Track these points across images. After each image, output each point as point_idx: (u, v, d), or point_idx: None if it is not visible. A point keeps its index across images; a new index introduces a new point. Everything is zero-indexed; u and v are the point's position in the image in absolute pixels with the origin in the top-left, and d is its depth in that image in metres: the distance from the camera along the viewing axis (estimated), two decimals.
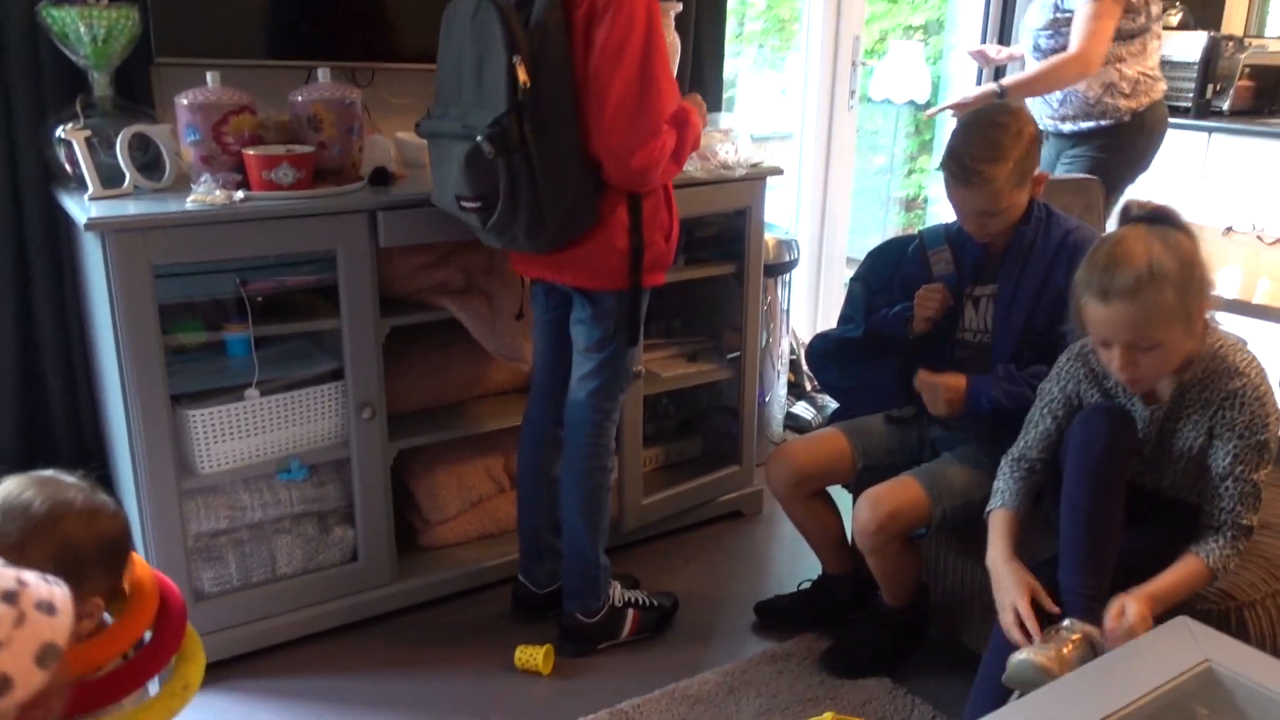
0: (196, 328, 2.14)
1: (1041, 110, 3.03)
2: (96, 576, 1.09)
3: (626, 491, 2.58)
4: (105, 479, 2.38)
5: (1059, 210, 2.08)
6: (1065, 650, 1.58)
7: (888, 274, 2.23)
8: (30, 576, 0.61)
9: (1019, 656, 1.60)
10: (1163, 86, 2.96)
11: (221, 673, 2.15)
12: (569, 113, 1.84)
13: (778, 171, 2.64)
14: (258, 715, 2.04)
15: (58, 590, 0.62)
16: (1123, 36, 2.80)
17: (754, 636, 2.33)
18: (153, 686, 1.22)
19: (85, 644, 1.06)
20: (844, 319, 2.28)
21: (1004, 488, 1.83)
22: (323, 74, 2.19)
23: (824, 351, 2.27)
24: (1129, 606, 1.57)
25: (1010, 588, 1.68)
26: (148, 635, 1.18)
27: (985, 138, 1.94)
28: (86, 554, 1.07)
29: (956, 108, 2.93)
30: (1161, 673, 1.42)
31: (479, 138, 1.78)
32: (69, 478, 1.14)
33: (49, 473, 1.14)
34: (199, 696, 2.06)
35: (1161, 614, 1.62)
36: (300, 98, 2.15)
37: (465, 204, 1.90)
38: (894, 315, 2.15)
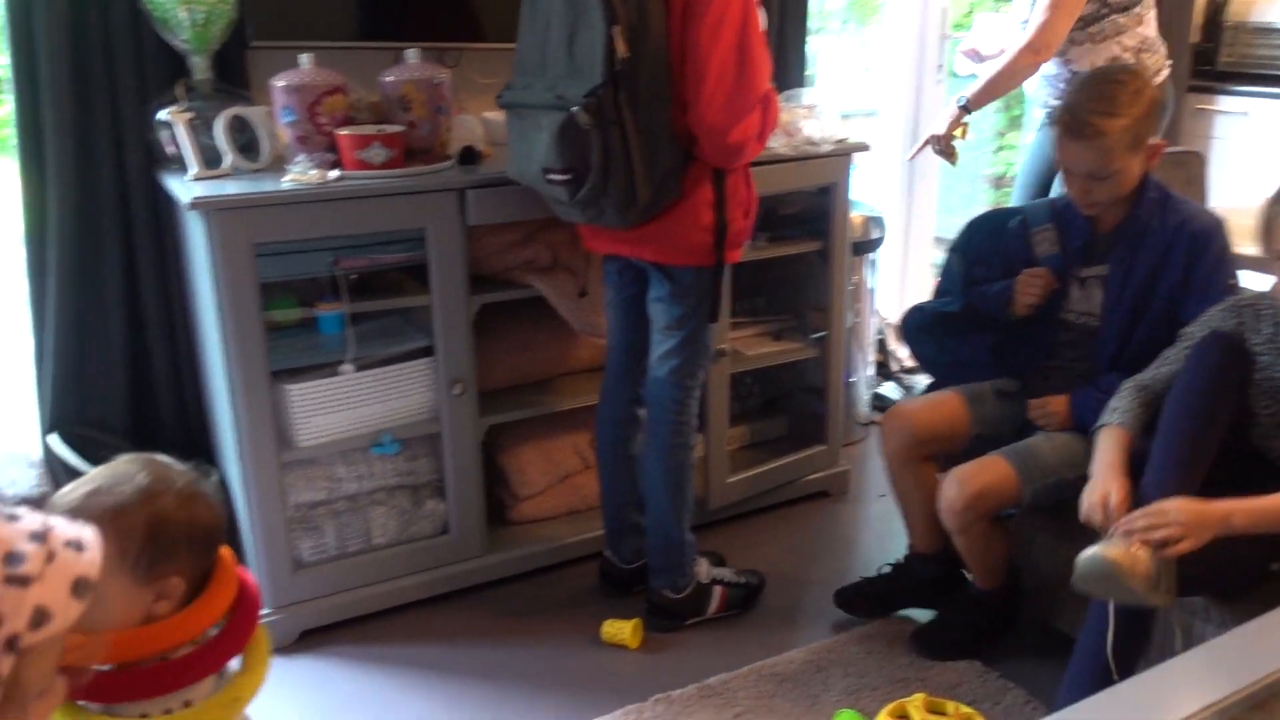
0: (291, 305, 2.20)
1: (1047, 93, 2.74)
2: (181, 558, 1.10)
3: (712, 469, 2.58)
4: (208, 454, 2.47)
5: (1175, 192, 2.00)
6: (1135, 549, 1.53)
7: (985, 246, 2.18)
8: (56, 520, 0.64)
9: (1088, 552, 1.57)
10: (1165, 58, 2.73)
11: (318, 639, 2.21)
12: (664, 85, 1.83)
13: (864, 148, 2.59)
14: (353, 680, 2.10)
15: (86, 530, 0.64)
16: (1116, 9, 2.63)
17: (842, 615, 2.30)
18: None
19: (153, 626, 1.08)
20: (940, 292, 2.23)
21: (1122, 407, 1.79)
22: (411, 55, 2.23)
23: (919, 325, 2.23)
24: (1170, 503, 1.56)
25: (1107, 481, 1.67)
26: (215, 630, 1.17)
27: (1102, 92, 1.88)
28: (177, 534, 1.09)
29: (935, 141, 2.76)
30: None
31: (574, 108, 1.77)
32: (180, 465, 1.17)
33: (163, 457, 1.17)
34: (294, 662, 2.14)
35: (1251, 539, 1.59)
36: (390, 78, 2.18)
37: (553, 176, 1.88)
38: (994, 294, 2.10)
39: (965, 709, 1.80)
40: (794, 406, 2.98)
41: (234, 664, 1.18)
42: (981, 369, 2.16)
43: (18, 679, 0.60)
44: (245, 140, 2.16)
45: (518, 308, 2.42)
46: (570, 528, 2.51)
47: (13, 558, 0.58)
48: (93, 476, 1.11)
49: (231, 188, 2.02)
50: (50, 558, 0.59)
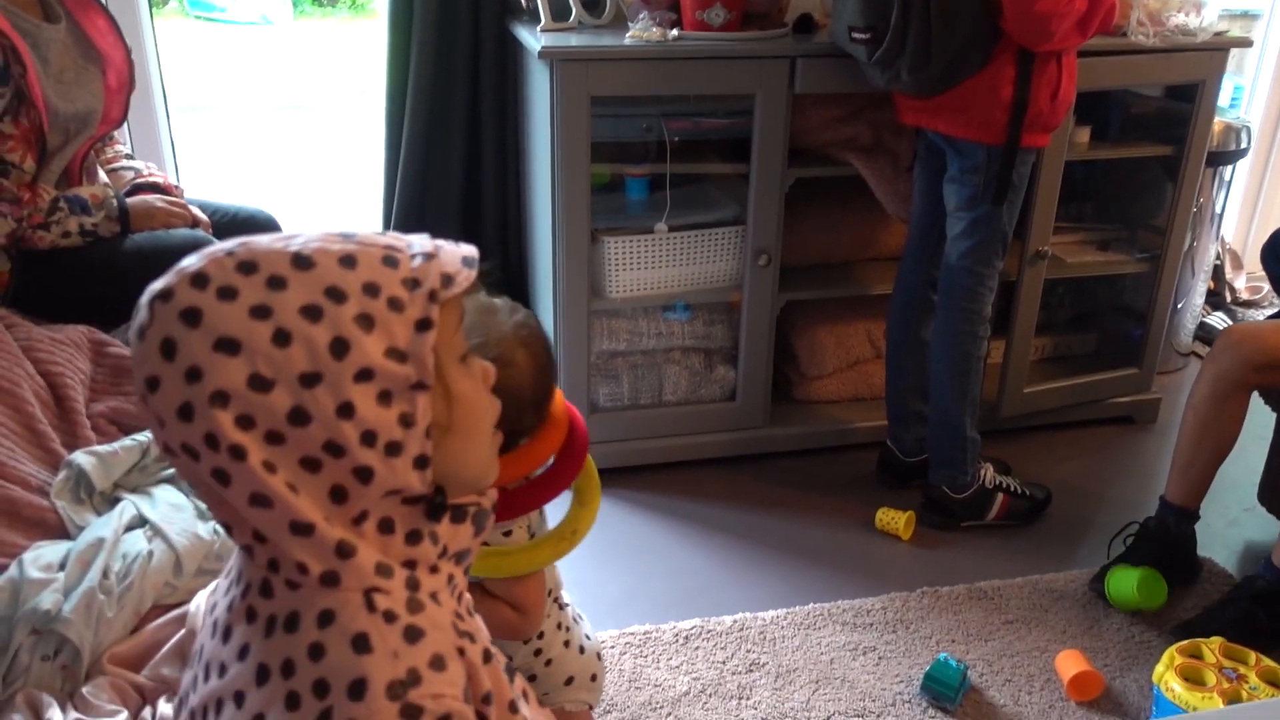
0: (603, 167, 2.28)
1: None
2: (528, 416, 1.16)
3: (1010, 376, 2.47)
4: (523, 296, 2.65)
5: None
6: None
7: None
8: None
9: None
10: None
11: (604, 480, 2.31)
12: None
13: (1246, 43, 2.31)
14: (630, 523, 2.24)
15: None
16: None
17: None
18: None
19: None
20: None
21: None
22: None
23: None
24: None
25: None
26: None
27: None
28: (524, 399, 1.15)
29: None
30: None
31: None
32: (513, 319, 1.18)
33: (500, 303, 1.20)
34: None
35: None
36: None
37: (856, 34, 1.92)
38: None
39: (1269, 661, 1.67)
40: (1106, 324, 2.78)
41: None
42: None
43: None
44: None
45: (829, 186, 2.40)
46: (854, 413, 2.51)
47: (413, 245, 0.74)
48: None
49: (576, 40, 2.10)
50: (439, 247, 0.75)
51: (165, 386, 0.67)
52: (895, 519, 2.20)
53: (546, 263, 2.27)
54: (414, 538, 0.75)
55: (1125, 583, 1.92)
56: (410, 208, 2.59)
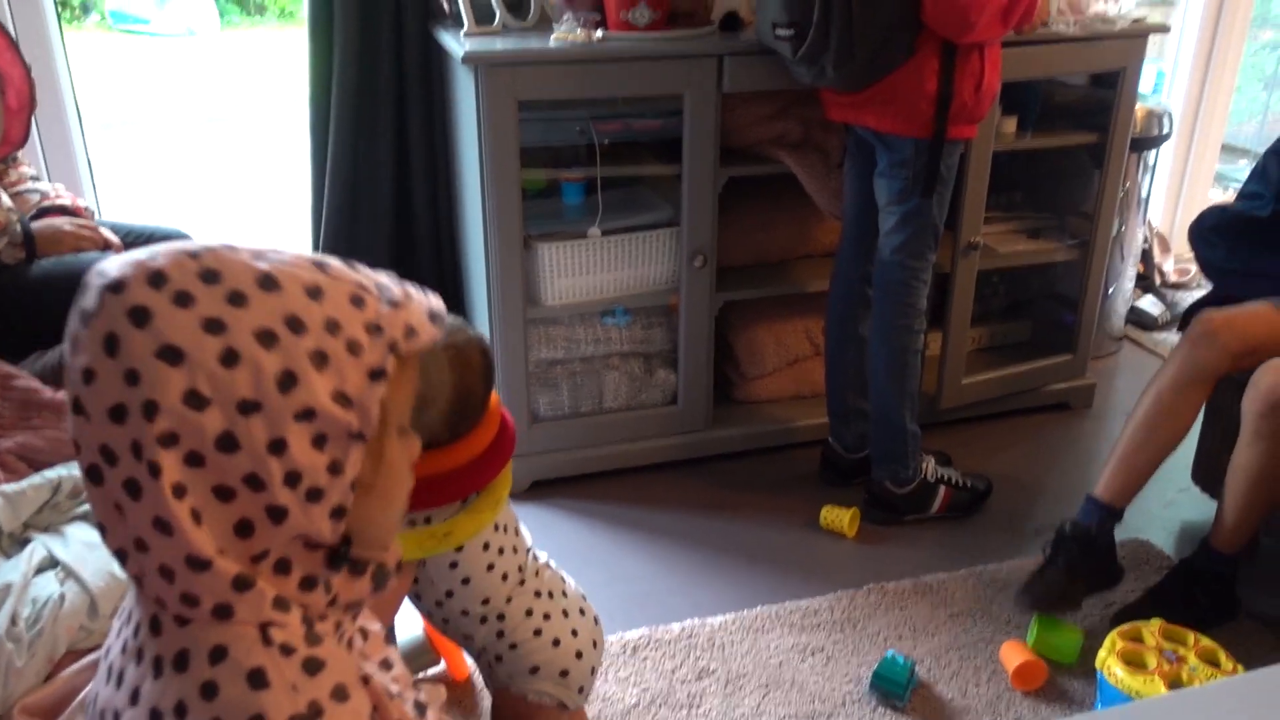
0: (538, 172, 2.25)
1: None
2: (437, 426, 1.16)
3: (948, 367, 2.49)
4: (460, 308, 2.60)
5: None
6: None
7: None
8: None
9: None
10: None
11: (547, 490, 2.33)
12: None
13: (1164, 29, 2.35)
14: (575, 532, 2.21)
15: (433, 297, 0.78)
16: None
17: None
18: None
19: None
20: (1248, 195, 2.01)
21: None
22: None
23: (1216, 226, 2.01)
24: None
25: None
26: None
27: None
28: (437, 404, 1.15)
29: None
30: None
31: None
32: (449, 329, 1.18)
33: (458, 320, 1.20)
34: (524, 509, 2.26)
35: None
36: None
37: (779, 31, 1.91)
38: None
39: (1208, 641, 1.69)
40: (1040, 312, 2.82)
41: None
42: (1274, 282, 1.93)
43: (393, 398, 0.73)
44: None
45: (762, 185, 2.39)
46: (796, 411, 2.50)
47: (384, 288, 0.73)
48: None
49: (499, 44, 2.06)
50: (408, 295, 0.74)
51: (101, 382, 0.63)
52: (839, 516, 2.19)
53: (480, 271, 2.23)
54: (308, 583, 0.72)
55: (1067, 641, 1.84)
56: (341, 218, 2.52)
